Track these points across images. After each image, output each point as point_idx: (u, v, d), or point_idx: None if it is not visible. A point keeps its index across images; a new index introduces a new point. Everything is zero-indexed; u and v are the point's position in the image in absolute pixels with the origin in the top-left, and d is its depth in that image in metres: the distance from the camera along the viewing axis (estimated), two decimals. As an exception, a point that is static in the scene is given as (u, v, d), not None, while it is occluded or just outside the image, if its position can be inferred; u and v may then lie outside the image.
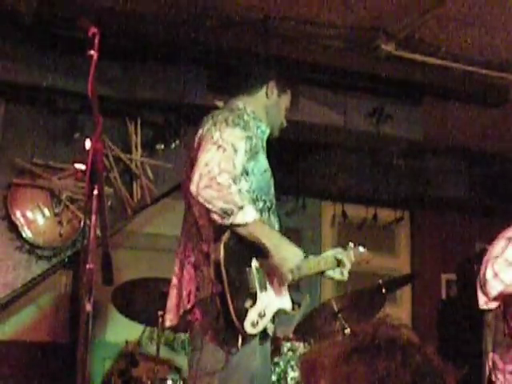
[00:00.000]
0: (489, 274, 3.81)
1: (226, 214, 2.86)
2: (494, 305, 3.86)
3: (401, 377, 1.31)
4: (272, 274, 3.06)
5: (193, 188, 2.89)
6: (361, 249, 3.56)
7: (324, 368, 1.36)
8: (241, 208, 2.88)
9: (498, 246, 3.90)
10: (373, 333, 1.38)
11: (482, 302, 3.86)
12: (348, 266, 3.43)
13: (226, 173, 2.91)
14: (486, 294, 3.82)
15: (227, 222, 2.88)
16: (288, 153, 5.71)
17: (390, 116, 5.44)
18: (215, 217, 2.89)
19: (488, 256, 3.89)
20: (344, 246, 3.54)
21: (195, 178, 2.90)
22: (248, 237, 2.95)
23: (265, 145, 3.26)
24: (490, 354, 4.00)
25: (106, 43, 2.32)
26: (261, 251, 2.99)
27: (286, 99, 3.41)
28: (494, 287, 3.79)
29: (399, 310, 7.00)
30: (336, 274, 3.46)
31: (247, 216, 2.90)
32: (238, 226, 2.91)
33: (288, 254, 3.00)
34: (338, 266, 3.42)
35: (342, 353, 1.35)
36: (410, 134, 5.59)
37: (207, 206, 2.87)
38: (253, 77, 3.36)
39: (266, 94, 3.33)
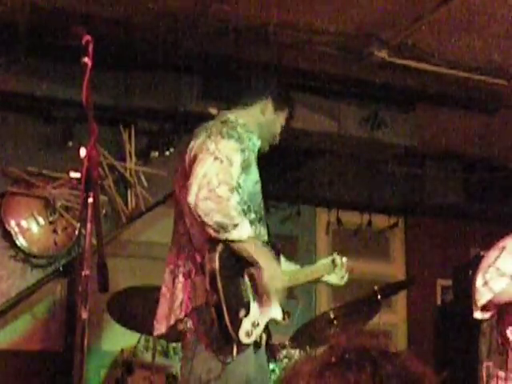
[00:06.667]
0: (479, 282, 3.81)
1: (221, 228, 2.84)
2: (487, 315, 3.87)
3: None
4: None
5: (191, 199, 2.85)
6: (344, 259, 3.59)
7: None
8: (236, 225, 2.86)
9: (492, 255, 3.91)
10: (344, 346, 1.38)
11: (476, 312, 3.87)
12: (343, 270, 3.48)
13: (225, 184, 2.89)
14: (475, 302, 3.83)
15: (222, 237, 2.87)
16: (282, 160, 5.71)
17: (384, 122, 5.45)
18: (210, 230, 2.87)
19: (481, 266, 3.90)
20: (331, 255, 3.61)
21: (193, 188, 2.86)
22: (240, 252, 2.94)
23: (256, 157, 3.24)
24: (485, 363, 4.01)
25: (100, 51, 2.33)
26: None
27: (282, 117, 3.39)
28: (483, 295, 3.78)
29: (394, 316, 7.01)
30: (333, 279, 3.51)
31: (242, 233, 2.89)
32: (233, 241, 2.90)
33: (276, 274, 3.00)
34: (334, 269, 3.47)
35: (315, 369, 1.36)
36: (405, 140, 5.59)
37: (204, 218, 2.84)
38: (249, 92, 3.35)
39: (262, 111, 3.31)
